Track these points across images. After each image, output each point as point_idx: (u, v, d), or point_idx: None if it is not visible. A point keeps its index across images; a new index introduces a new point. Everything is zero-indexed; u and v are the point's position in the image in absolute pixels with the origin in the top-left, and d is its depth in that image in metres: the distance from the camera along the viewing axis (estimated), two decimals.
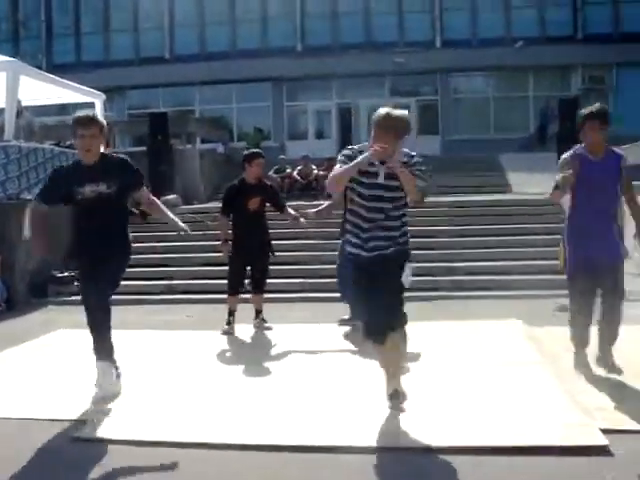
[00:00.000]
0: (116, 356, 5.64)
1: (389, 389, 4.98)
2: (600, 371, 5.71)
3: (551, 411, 4.86)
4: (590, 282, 5.68)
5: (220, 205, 8.72)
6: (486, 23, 28.49)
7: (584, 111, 5.74)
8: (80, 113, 5.44)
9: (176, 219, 6.01)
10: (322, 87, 29.35)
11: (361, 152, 4.82)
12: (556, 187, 5.69)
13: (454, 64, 27.74)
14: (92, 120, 5.36)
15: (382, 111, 4.83)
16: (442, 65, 27.90)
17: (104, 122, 5.52)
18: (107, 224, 5.51)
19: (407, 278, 4.88)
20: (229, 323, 8.33)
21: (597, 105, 5.75)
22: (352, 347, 7.24)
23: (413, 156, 4.94)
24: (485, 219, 13.31)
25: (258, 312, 8.49)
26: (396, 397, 4.92)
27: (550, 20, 28.19)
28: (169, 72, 28.91)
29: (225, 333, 8.22)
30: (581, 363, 5.86)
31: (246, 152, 8.82)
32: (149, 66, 29.34)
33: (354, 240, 4.98)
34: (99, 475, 4.11)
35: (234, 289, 8.46)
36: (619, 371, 5.61)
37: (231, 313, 8.37)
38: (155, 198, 6.14)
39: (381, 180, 4.81)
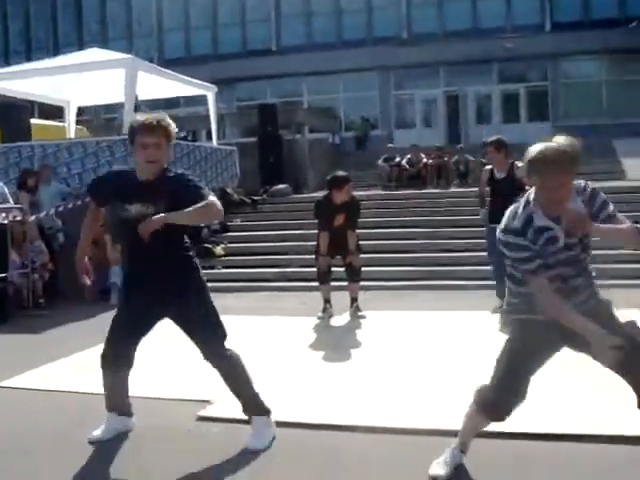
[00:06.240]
0: None
1: None
2: None
3: None
4: None
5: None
6: (598, 3, 27.64)
7: None
8: None
9: None
10: (429, 75, 29.05)
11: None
12: None
13: (564, 48, 27.04)
14: None
15: None
16: (552, 49, 27.23)
17: None
18: None
19: None
20: None
21: None
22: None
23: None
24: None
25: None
26: None
27: None
28: (276, 64, 29.25)
29: None
30: None
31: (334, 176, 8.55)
32: (256, 58, 29.78)
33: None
34: (223, 452, 4.29)
35: None
36: None
37: None
38: None
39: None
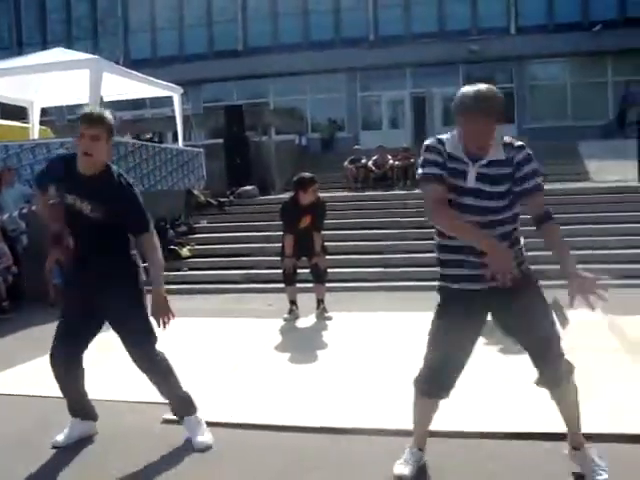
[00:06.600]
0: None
1: None
2: None
3: None
4: None
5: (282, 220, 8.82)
6: (563, 7, 27.93)
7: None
8: None
9: None
10: (395, 76, 29.16)
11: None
12: None
13: (529, 51, 27.33)
14: None
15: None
16: (517, 52, 27.48)
17: None
18: None
19: None
20: None
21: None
22: None
23: None
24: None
25: None
26: None
27: (630, 1, 27.40)
28: (242, 65, 29.24)
29: None
30: None
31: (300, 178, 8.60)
32: (223, 59, 29.74)
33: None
34: (189, 454, 4.29)
35: None
36: None
37: None
38: None
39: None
